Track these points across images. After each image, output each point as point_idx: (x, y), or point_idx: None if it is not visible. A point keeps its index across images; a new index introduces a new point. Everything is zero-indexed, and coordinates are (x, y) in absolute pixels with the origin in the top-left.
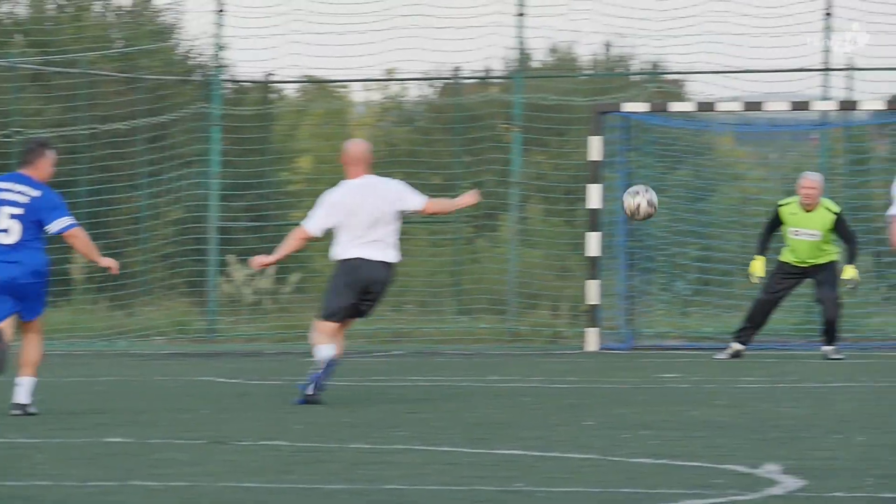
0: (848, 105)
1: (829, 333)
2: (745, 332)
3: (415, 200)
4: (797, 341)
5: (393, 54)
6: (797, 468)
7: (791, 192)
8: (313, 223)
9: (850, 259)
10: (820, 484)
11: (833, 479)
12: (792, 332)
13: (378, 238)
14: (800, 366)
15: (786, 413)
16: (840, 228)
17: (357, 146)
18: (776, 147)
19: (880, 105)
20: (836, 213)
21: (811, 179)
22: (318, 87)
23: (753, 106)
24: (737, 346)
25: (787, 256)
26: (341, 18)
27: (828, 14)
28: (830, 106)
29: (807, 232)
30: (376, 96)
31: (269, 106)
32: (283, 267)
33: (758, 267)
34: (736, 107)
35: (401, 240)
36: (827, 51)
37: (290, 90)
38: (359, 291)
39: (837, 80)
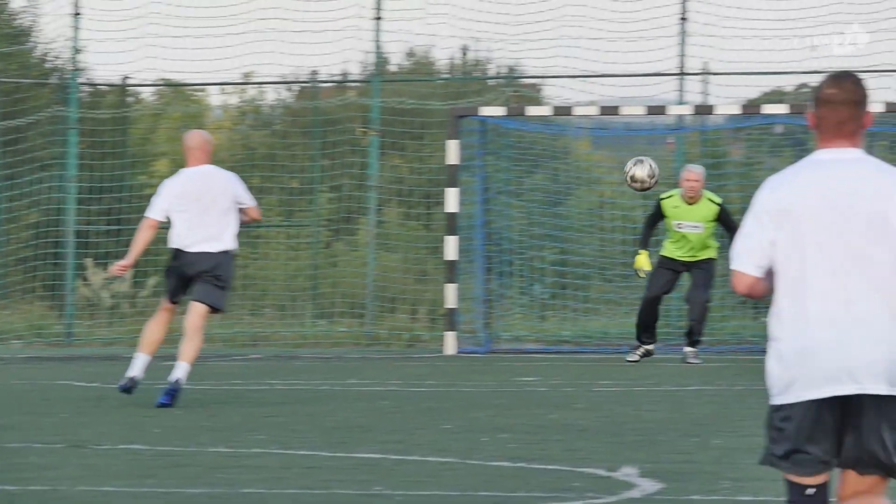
0: (703, 109)
1: (692, 336)
2: (646, 333)
3: (248, 199)
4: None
5: (250, 58)
6: (654, 471)
7: (648, 196)
8: (155, 210)
9: None
10: (677, 487)
11: (690, 482)
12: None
13: (214, 225)
14: (657, 369)
15: (643, 416)
16: (724, 219)
17: (196, 135)
18: (632, 151)
19: (735, 109)
20: (718, 205)
21: (694, 172)
22: (174, 90)
23: (610, 110)
24: (647, 347)
25: (669, 251)
26: (198, 22)
27: (683, 19)
28: (686, 110)
29: (690, 224)
30: (234, 100)
31: (126, 109)
32: (141, 271)
33: (643, 261)
34: (592, 111)
35: (258, 242)
36: (682, 55)
37: (147, 94)
38: (190, 278)
39: (693, 84)
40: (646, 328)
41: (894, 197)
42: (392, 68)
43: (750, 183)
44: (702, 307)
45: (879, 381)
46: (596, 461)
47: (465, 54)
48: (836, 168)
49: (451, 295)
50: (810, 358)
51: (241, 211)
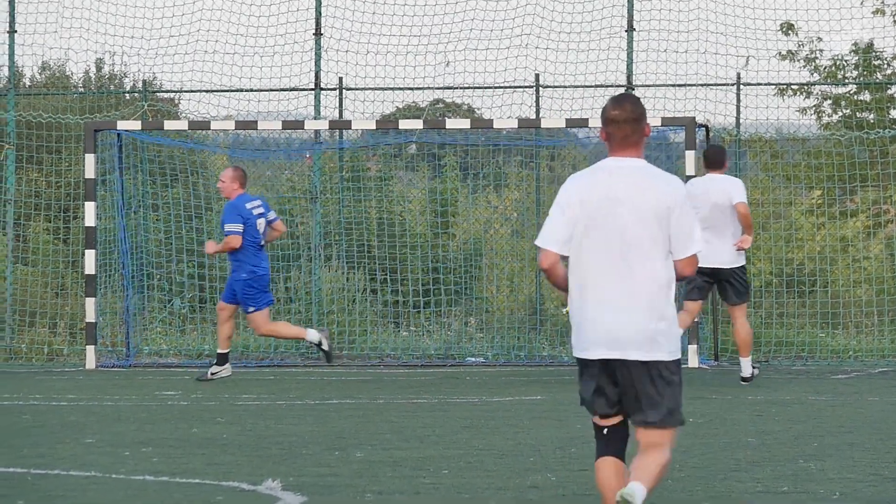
0: (340, 124)
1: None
2: None
3: None
4: (294, 358)
5: None
6: (298, 485)
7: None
8: None
9: None
10: (320, 500)
11: (333, 495)
12: (290, 350)
13: None
14: (298, 383)
15: (286, 430)
16: None
17: None
18: (270, 166)
19: (371, 124)
20: None
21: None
22: None
23: (247, 125)
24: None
25: None
26: None
27: (318, 34)
28: (322, 125)
29: None
30: None
31: None
32: None
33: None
34: (229, 125)
35: None
36: (318, 70)
37: None
38: None
39: (329, 99)
40: None
41: (662, 197)
42: (26, 82)
43: (386, 197)
44: None
45: (637, 348)
46: (239, 475)
47: (100, 68)
48: (621, 172)
49: (90, 309)
50: (591, 325)
51: None
